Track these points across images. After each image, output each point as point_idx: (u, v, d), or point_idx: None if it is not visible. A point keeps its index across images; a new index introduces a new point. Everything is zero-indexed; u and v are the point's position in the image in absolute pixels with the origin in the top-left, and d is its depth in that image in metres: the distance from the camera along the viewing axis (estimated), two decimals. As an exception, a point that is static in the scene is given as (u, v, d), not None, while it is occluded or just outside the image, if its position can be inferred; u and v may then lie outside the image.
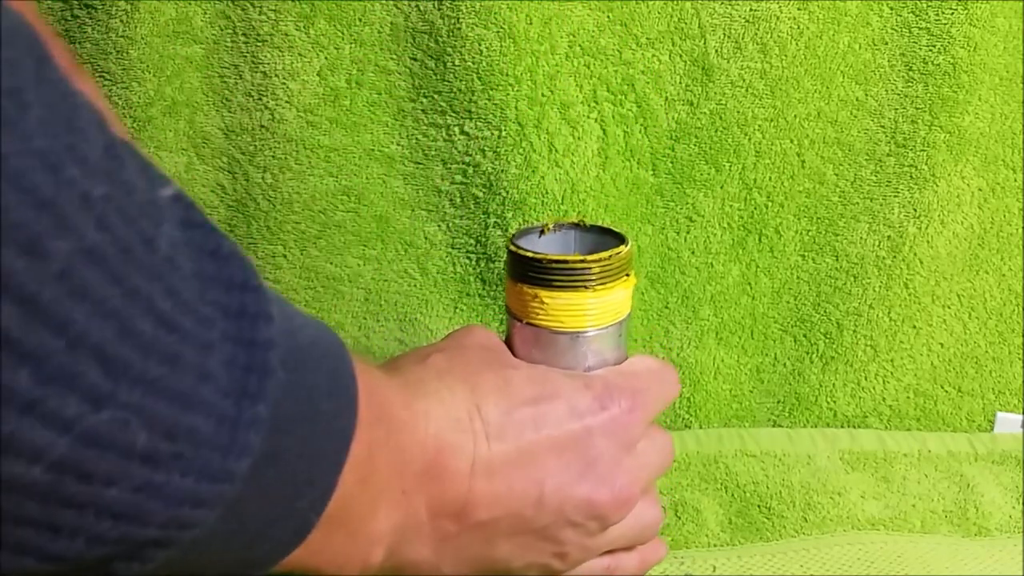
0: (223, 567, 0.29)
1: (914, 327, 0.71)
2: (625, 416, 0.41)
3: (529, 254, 0.42)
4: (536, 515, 0.39)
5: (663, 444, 0.44)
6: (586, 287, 0.41)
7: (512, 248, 0.43)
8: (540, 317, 0.42)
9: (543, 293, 0.42)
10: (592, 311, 0.42)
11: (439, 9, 0.60)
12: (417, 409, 0.37)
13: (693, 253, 0.68)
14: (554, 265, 0.41)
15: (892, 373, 0.71)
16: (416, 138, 0.63)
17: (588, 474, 0.40)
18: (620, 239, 0.43)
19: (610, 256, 0.41)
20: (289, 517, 0.30)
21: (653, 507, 0.44)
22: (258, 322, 0.26)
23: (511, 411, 0.39)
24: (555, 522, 0.40)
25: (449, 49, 0.60)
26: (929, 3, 0.65)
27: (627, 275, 0.43)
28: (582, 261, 0.41)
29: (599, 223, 0.46)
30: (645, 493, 0.43)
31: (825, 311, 0.70)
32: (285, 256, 0.64)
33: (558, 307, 0.42)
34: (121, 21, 0.58)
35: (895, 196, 0.68)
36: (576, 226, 0.46)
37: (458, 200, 0.64)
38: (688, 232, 0.67)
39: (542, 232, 0.45)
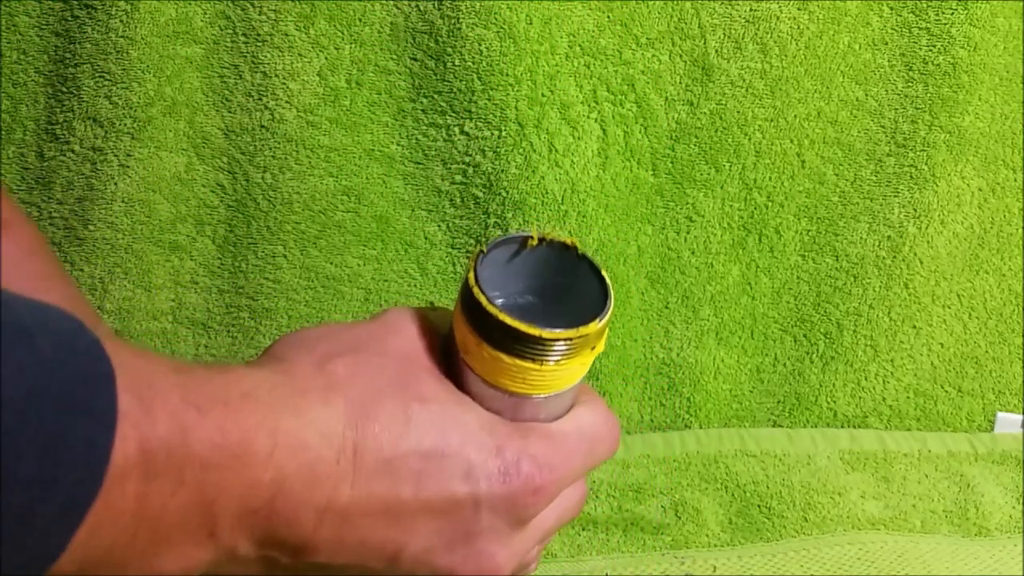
0: None
1: (914, 327, 0.71)
2: (526, 496, 0.35)
3: (483, 301, 0.35)
4: (385, 569, 0.35)
5: (572, 503, 0.38)
6: (542, 362, 0.35)
7: (470, 280, 0.35)
8: (481, 368, 0.36)
9: (488, 349, 0.35)
10: (543, 382, 0.36)
11: (439, 9, 0.60)
12: (254, 451, 0.31)
13: (693, 253, 0.68)
14: (510, 329, 0.34)
15: (892, 373, 0.71)
16: (416, 138, 0.63)
17: (458, 547, 0.35)
18: (602, 293, 0.37)
19: (578, 334, 0.35)
20: None
21: (534, 551, 0.39)
22: None
23: (395, 459, 0.34)
24: None
25: (449, 49, 0.60)
26: (929, 3, 0.65)
27: (593, 348, 0.36)
28: (539, 339, 0.34)
29: (592, 256, 0.38)
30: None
31: (825, 311, 0.70)
32: (285, 256, 0.64)
33: (503, 368, 0.35)
34: (121, 21, 0.58)
35: (895, 196, 0.68)
36: (566, 248, 0.38)
37: (458, 200, 0.64)
38: (688, 232, 0.67)
39: (523, 244, 0.38)
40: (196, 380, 0.31)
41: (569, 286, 0.38)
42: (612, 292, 0.37)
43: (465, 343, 0.36)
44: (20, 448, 0.25)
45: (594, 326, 0.35)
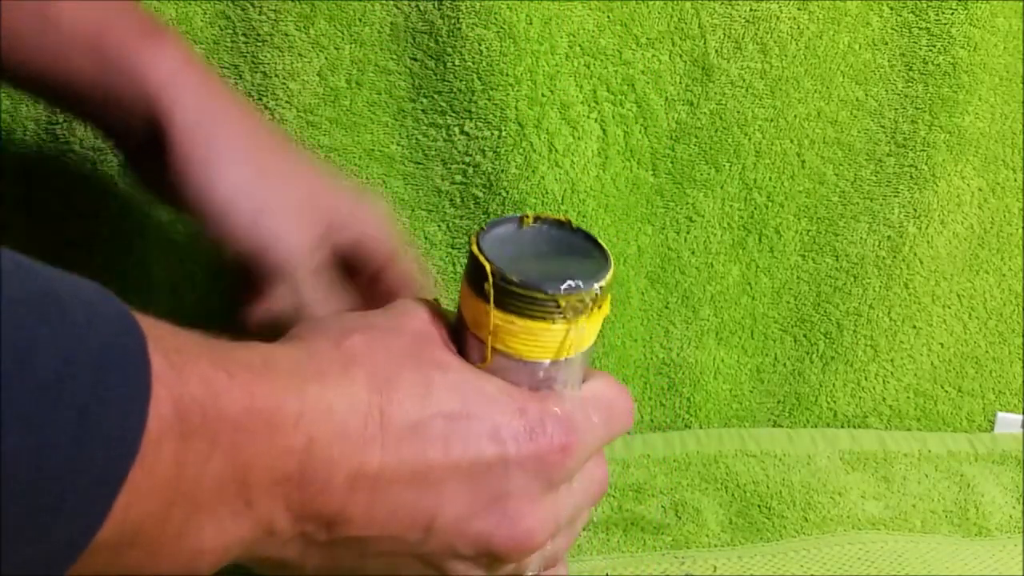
0: None
1: (914, 327, 0.71)
2: (554, 455, 0.35)
3: (490, 267, 0.36)
4: (421, 541, 0.35)
5: (597, 478, 0.39)
6: (552, 320, 0.36)
7: (474, 250, 0.37)
8: (493, 338, 0.37)
9: (499, 314, 0.36)
10: (554, 343, 0.36)
11: (439, 9, 0.60)
12: (281, 414, 0.31)
13: (693, 253, 0.68)
14: (516, 289, 0.35)
15: (892, 373, 0.71)
16: (416, 138, 0.63)
17: (492, 509, 0.35)
18: (602, 258, 0.38)
19: (583, 293, 0.36)
20: (30, 562, 0.26)
21: (563, 540, 0.39)
22: None
23: (421, 423, 0.34)
24: (441, 552, 0.35)
25: (449, 49, 0.60)
26: (929, 3, 0.65)
27: (599, 307, 0.37)
28: (548, 296, 0.35)
29: (587, 229, 0.40)
30: (563, 528, 0.38)
31: (825, 311, 0.70)
32: (285, 256, 0.64)
33: (514, 332, 0.36)
34: (121, 21, 0.58)
35: (895, 196, 0.68)
36: (560, 225, 0.40)
37: (458, 200, 0.64)
38: (688, 232, 0.67)
39: (520, 224, 0.39)
40: (222, 348, 0.32)
41: (568, 257, 0.38)
42: (611, 257, 0.38)
43: (475, 316, 0.37)
44: (58, 414, 0.25)
45: (601, 281, 0.36)
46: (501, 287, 0.35)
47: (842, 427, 0.72)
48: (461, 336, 0.38)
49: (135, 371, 0.28)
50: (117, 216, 0.61)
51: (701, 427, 0.71)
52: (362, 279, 0.48)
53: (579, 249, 0.39)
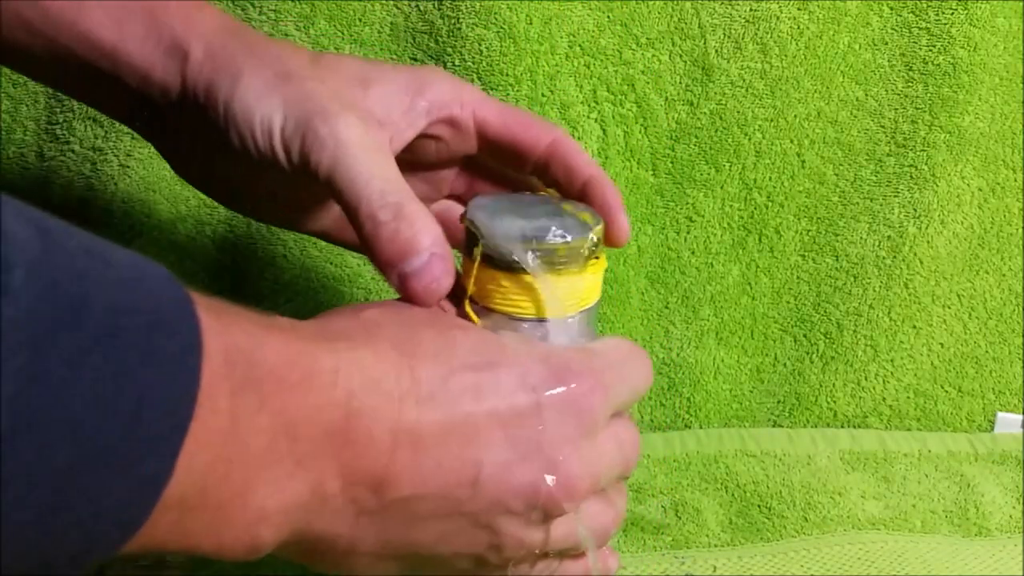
0: (19, 570, 0.25)
1: (914, 327, 0.71)
2: (584, 396, 0.36)
3: (483, 229, 0.37)
4: (470, 498, 0.34)
5: (628, 439, 0.38)
6: (558, 271, 0.37)
7: (467, 222, 0.38)
8: (496, 300, 0.38)
9: (503, 275, 0.37)
10: (555, 297, 0.37)
11: (439, 9, 0.60)
12: (319, 368, 0.32)
13: (693, 253, 0.68)
14: (496, 244, 0.37)
15: (892, 373, 0.71)
16: (416, 138, 0.63)
17: (534, 456, 0.35)
18: (592, 219, 0.39)
19: (573, 242, 0.37)
20: (97, 517, 0.25)
21: (607, 509, 0.39)
22: None
23: (450, 375, 0.34)
24: (491, 508, 0.35)
25: (449, 49, 0.60)
26: (929, 3, 0.65)
27: (596, 258, 0.38)
28: (538, 241, 0.36)
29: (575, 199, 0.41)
30: (600, 491, 0.38)
31: (825, 311, 0.70)
32: (285, 256, 0.64)
33: (520, 290, 0.37)
34: (121, 21, 0.58)
35: (895, 196, 0.68)
36: (549, 196, 0.41)
37: (458, 200, 0.64)
38: (688, 232, 0.67)
39: (510, 197, 0.40)
40: (250, 311, 0.32)
41: (557, 217, 0.39)
42: (602, 220, 0.39)
43: (480, 283, 0.38)
44: (118, 364, 0.25)
45: (591, 233, 0.37)
46: (484, 243, 0.37)
47: (842, 427, 0.72)
48: (463, 310, 0.39)
49: (186, 323, 0.27)
50: (117, 216, 0.61)
51: (701, 427, 0.71)
52: (517, 170, 0.44)
53: (569, 214, 0.39)
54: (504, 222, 0.37)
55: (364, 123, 0.38)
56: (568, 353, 0.37)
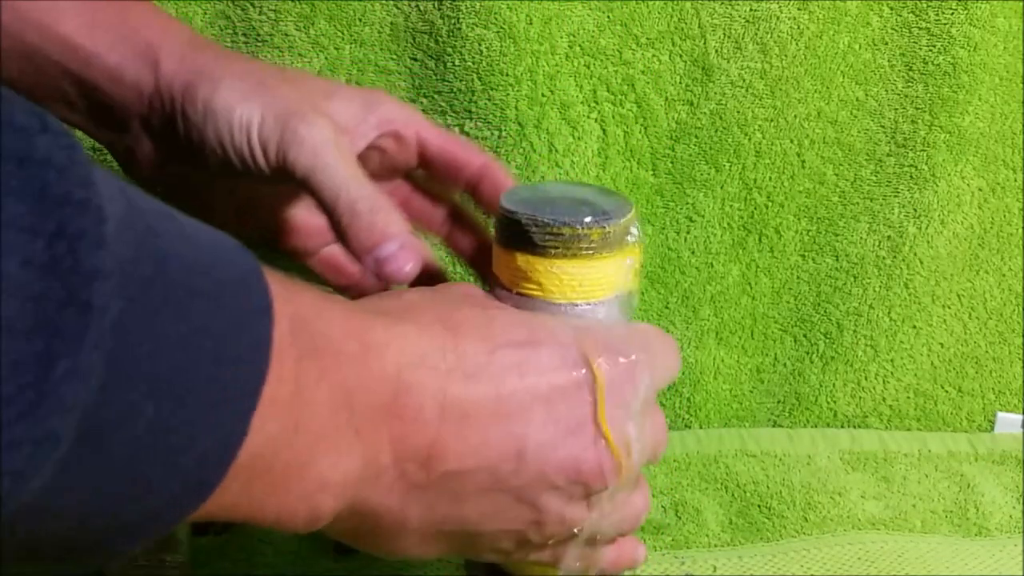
0: (96, 532, 0.26)
1: (914, 327, 0.71)
2: (620, 375, 0.37)
3: (519, 216, 0.38)
4: (514, 472, 0.35)
5: (658, 423, 0.40)
6: (582, 255, 0.38)
7: (502, 209, 0.39)
8: (529, 286, 0.39)
9: (539, 260, 0.38)
10: (590, 280, 0.39)
11: (439, 9, 0.60)
12: (372, 341, 0.33)
13: (693, 253, 0.68)
14: (547, 229, 0.38)
15: (892, 373, 0.71)
16: (416, 138, 0.63)
17: (577, 432, 0.36)
18: (624, 203, 0.40)
19: (608, 226, 0.38)
20: (173, 476, 0.26)
21: (639, 495, 0.40)
22: (80, 245, 0.21)
23: (493, 352, 0.35)
24: (535, 483, 0.36)
25: (449, 49, 0.60)
26: (929, 3, 0.65)
27: (629, 244, 0.39)
28: (576, 226, 0.38)
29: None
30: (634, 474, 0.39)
31: (825, 311, 0.70)
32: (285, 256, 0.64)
33: (549, 275, 0.38)
34: (121, 21, 0.58)
35: (895, 196, 0.68)
36: (580, 183, 0.42)
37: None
38: (688, 232, 0.67)
39: (540, 187, 0.42)
40: (310, 284, 0.33)
41: (589, 203, 0.40)
42: (633, 204, 0.40)
43: (515, 270, 0.39)
44: (198, 316, 0.26)
45: (623, 217, 0.38)
46: (533, 230, 0.38)
47: (842, 427, 0.72)
48: (496, 294, 0.41)
49: (258, 286, 0.28)
50: (117, 216, 0.61)
51: (701, 427, 0.71)
52: (449, 186, 0.48)
53: (603, 198, 0.40)
54: (538, 208, 0.39)
55: (334, 127, 0.41)
56: (605, 334, 0.38)
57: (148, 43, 0.42)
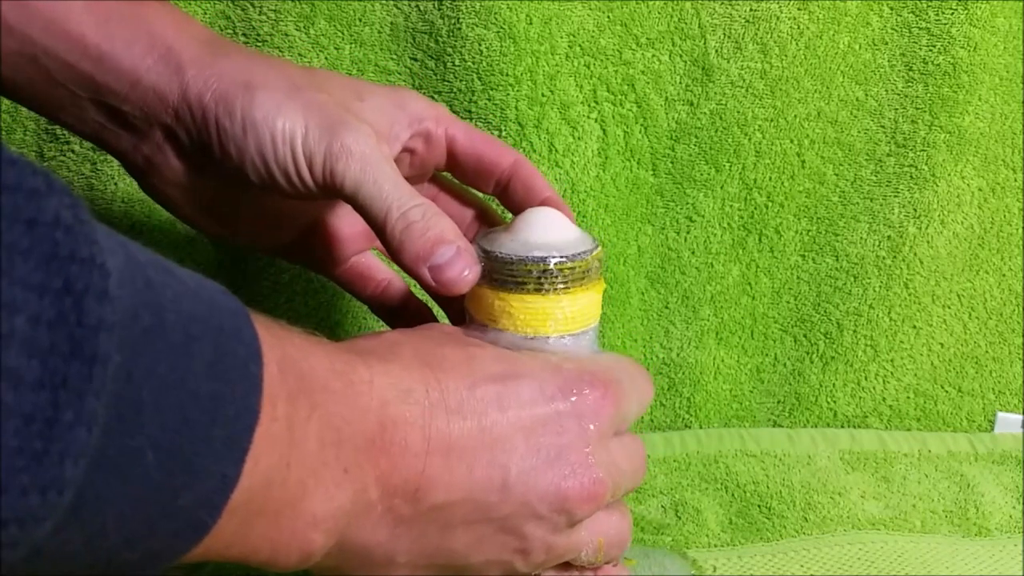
0: (96, 573, 0.26)
1: (914, 327, 0.71)
2: (597, 403, 0.38)
3: (494, 253, 0.40)
4: (499, 503, 0.36)
5: (635, 451, 0.40)
6: (553, 291, 0.39)
7: (476, 249, 0.40)
8: (503, 321, 0.40)
9: (512, 296, 0.39)
10: (544, 316, 0.40)
11: (439, 9, 0.60)
12: (356, 378, 0.34)
13: (693, 253, 0.68)
14: (518, 267, 0.39)
15: (892, 373, 0.71)
16: (416, 138, 0.63)
17: (558, 462, 0.37)
18: (589, 241, 0.41)
19: (576, 262, 0.40)
20: (171, 516, 0.27)
21: (621, 520, 0.41)
22: (85, 300, 0.22)
23: (474, 386, 0.36)
24: (519, 512, 0.37)
25: (449, 49, 0.60)
26: (929, 3, 0.65)
27: (593, 280, 0.41)
28: (544, 262, 0.39)
29: (587, 229, 0.43)
30: (616, 500, 0.40)
31: (825, 311, 0.70)
32: (285, 256, 0.64)
33: (525, 311, 0.40)
34: (121, 21, 0.58)
35: (895, 196, 0.68)
36: (547, 223, 0.42)
37: (458, 200, 0.64)
38: (688, 232, 0.67)
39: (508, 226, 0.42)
40: (293, 327, 0.34)
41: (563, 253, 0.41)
42: (598, 242, 0.41)
43: (489, 306, 0.40)
44: (190, 370, 0.26)
45: (592, 253, 0.40)
46: (503, 267, 0.39)
47: (842, 427, 0.72)
48: (473, 332, 0.41)
49: (246, 332, 0.29)
50: (117, 216, 0.61)
51: (701, 427, 0.71)
52: (478, 186, 0.47)
53: (574, 239, 0.42)
54: (511, 246, 0.40)
55: (375, 135, 0.40)
56: (580, 365, 0.39)
57: (167, 44, 0.39)
